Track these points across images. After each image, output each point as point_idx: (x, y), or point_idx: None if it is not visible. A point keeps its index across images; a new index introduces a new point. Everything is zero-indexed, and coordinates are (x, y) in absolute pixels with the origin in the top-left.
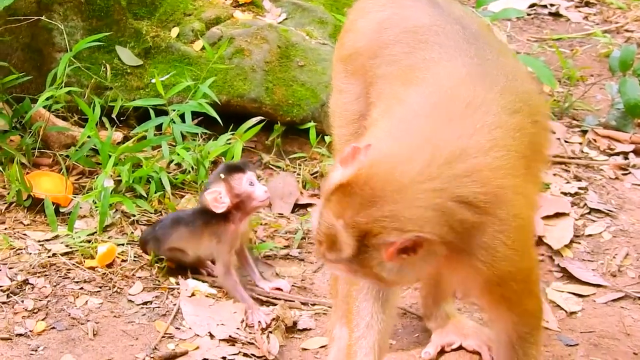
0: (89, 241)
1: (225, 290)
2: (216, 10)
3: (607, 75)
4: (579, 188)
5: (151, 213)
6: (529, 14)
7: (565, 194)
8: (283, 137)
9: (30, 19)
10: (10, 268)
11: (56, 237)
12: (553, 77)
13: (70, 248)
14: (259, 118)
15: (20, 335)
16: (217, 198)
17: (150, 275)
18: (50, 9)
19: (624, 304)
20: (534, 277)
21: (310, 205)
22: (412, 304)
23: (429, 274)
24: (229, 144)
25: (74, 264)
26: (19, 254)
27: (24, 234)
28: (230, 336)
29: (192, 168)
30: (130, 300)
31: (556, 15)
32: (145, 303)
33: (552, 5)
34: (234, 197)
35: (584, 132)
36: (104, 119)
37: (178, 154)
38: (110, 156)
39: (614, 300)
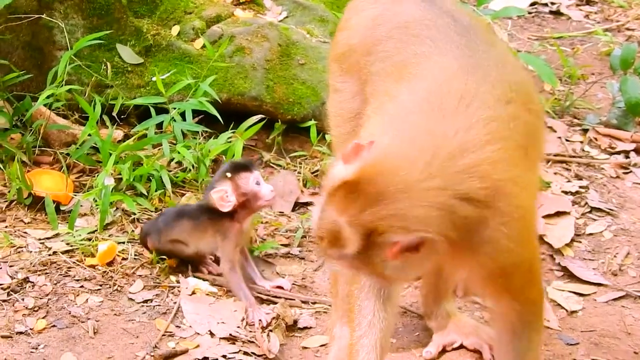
0: (89, 239)
1: (229, 287)
2: (217, 8)
3: (608, 73)
4: (580, 187)
5: (152, 211)
6: (529, 13)
7: (566, 192)
8: (284, 136)
9: (31, 17)
10: (10, 266)
11: (57, 235)
12: (554, 76)
13: (71, 246)
14: (259, 116)
15: (21, 333)
16: (224, 197)
17: (150, 274)
18: (51, 7)
19: (625, 303)
20: (536, 266)
21: (310, 203)
22: (412, 303)
23: (430, 269)
24: (230, 142)
25: (74, 262)
26: (19, 252)
27: (25, 232)
28: (230, 334)
29: (193, 166)
30: (130, 299)
31: (557, 13)
32: (145, 301)
33: (553, 3)
34: (240, 196)
35: (585, 130)
36: (105, 117)
37: (179, 152)
38: (110, 154)
39: (614, 299)
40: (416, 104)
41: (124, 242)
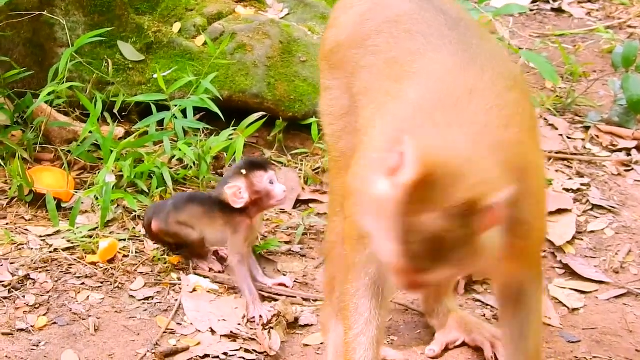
0: (90, 236)
1: (234, 280)
2: (218, 5)
3: (610, 71)
4: (582, 184)
5: None
6: (531, 10)
7: (567, 190)
8: (285, 133)
9: (32, 14)
10: (11, 263)
11: (58, 232)
12: (555, 73)
13: (72, 243)
14: (260, 114)
15: (22, 330)
16: (237, 193)
17: (151, 271)
18: (52, 4)
19: (627, 300)
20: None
21: (312, 200)
22: (413, 301)
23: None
24: (231, 139)
25: (75, 259)
26: (20, 249)
27: (26, 229)
28: (231, 332)
29: (194, 163)
30: (131, 296)
31: (559, 11)
32: (146, 298)
33: (554, 1)
34: (253, 194)
35: (587, 128)
36: (106, 114)
37: (180, 150)
38: (112, 151)
39: (616, 297)
40: (428, 100)
41: (125, 240)
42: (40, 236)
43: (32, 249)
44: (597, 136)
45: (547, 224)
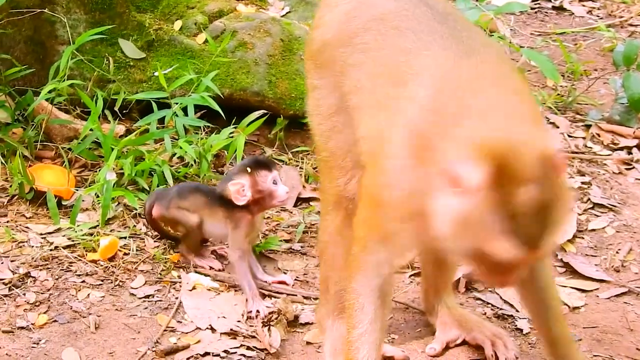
0: (91, 234)
1: (234, 276)
2: (219, 3)
3: (611, 69)
4: (583, 183)
5: None
6: (532, 8)
7: None
8: (286, 131)
9: (33, 11)
10: (12, 261)
11: (58, 230)
12: (557, 72)
13: (73, 241)
14: (261, 111)
15: (22, 328)
16: (240, 191)
17: (152, 269)
18: (53, 2)
19: (627, 299)
20: None
21: (312, 199)
22: (414, 299)
23: None
24: (232, 137)
25: (76, 257)
26: (21, 246)
27: (26, 227)
28: (231, 329)
29: (195, 161)
30: (132, 294)
31: (560, 9)
32: (147, 296)
33: None
34: (256, 193)
35: (588, 126)
36: (107, 112)
37: (180, 147)
38: (112, 149)
39: (617, 296)
40: (444, 97)
41: (125, 237)
42: (41, 234)
43: (32, 246)
44: (598, 134)
45: None
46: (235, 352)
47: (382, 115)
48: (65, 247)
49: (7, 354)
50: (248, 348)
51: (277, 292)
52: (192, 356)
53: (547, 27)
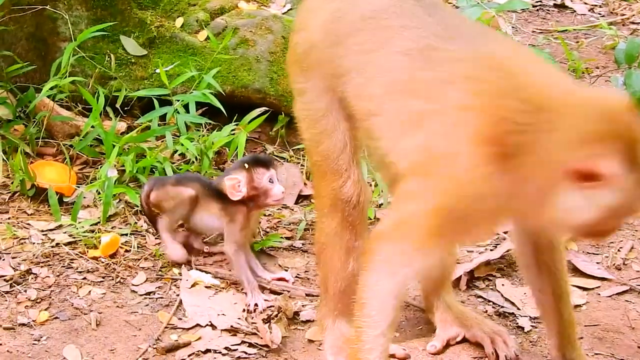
0: (92, 231)
1: (232, 270)
2: (221, 0)
3: (613, 67)
4: None
5: None
6: (534, 6)
7: None
8: (287, 128)
9: (35, 8)
10: (13, 257)
11: (59, 226)
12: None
13: (74, 238)
14: (263, 109)
15: (23, 325)
16: (235, 186)
17: (153, 266)
18: None
19: (629, 297)
20: None
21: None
22: (415, 296)
23: None
24: (233, 134)
25: (77, 254)
26: (22, 243)
27: (28, 224)
28: (231, 326)
29: (196, 158)
30: (133, 291)
31: (561, 7)
32: (148, 293)
33: None
34: (251, 189)
35: None
36: (108, 109)
37: (182, 144)
38: (114, 146)
39: (618, 294)
40: (503, 98)
41: (126, 234)
42: (42, 231)
43: (34, 243)
44: None
45: None
46: (237, 349)
47: (422, 131)
48: (66, 244)
49: (8, 351)
50: (249, 345)
51: (280, 290)
52: (193, 353)
53: (549, 24)
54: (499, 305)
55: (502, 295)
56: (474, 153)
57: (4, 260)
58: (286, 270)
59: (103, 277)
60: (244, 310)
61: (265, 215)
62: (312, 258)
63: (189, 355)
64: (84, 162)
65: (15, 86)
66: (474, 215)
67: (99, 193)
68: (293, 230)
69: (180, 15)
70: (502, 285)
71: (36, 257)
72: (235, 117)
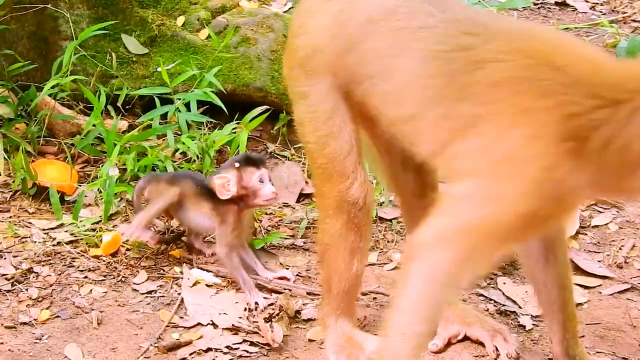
0: (93, 230)
1: (227, 271)
2: None
3: None
4: None
5: None
6: (535, 4)
7: None
8: (288, 127)
9: (36, 7)
10: (14, 256)
11: (61, 225)
12: None
13: (75, 237)
14: (264, 107)
15: (25, 323)
16: (225, 185)
17: (154, 265)
18: None
19: (630, 295)
20: None
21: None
22: None
23: None
24: (234, 133)
25: (78, 253)
26: (23, 242)
27: (29, 222)
28: (233, 325)
29: (198, 157)
30: (134, 290)
31: (563, 5)
32: (149, 292)
33: None
34: (240, 189)
35: None
36: (110, 108)
37: (183, 143)
38: (115, 145)
39: (620, 292)
40: (530, 90)
41: None
42: (44, 229)
43: (35, 242)
44: None
45: None
46: (238, 348)
47: (478, 135)
48: (67, 243)
49: (9, 350)
50: (251, 344)
51: (281, 288)
52: (195, 352)
53: (550, 23)
54: (500, 304)
55: (503, 294)
56: (551, 152)
57: (5, 259)
58: (287, 269)
59: (104, 276)
60: (245, 309)
61: (266, 213)
62: (313, 256)
63: (190, 354)
64: (85, 161)
65: (17, 85)
66: (554, 212)
67: (101, 192)
68: (294, 228)
69: (181, 14)
70: (504, 283)
71: (37, 256)
72: (236, 116)
